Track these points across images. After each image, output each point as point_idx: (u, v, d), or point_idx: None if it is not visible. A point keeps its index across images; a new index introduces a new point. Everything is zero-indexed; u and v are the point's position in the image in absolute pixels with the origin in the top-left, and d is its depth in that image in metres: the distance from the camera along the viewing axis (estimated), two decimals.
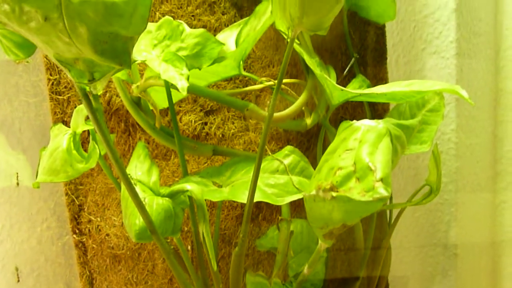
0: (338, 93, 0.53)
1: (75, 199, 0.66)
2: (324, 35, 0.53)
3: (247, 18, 0.58)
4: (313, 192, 0.35)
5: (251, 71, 0.69)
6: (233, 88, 0.67)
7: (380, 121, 0.34)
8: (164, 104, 0.58)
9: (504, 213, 0.93)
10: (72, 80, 0.35)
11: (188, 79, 0.46)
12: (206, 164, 0.69)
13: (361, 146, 0.32)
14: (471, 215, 0.86)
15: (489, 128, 0.91)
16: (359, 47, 0.76)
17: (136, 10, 0.29)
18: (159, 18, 0.66)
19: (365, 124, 0.34)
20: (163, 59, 0.48)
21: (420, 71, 0.83)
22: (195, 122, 0.68)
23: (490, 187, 0.92)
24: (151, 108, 0.58)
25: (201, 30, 0.48)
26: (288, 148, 0.49)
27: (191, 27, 0.67)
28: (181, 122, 0.67)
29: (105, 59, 0.31)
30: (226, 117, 0.68)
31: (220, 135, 0.69)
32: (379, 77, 0.77)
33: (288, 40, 0.40)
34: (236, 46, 0.54)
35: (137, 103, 0.58)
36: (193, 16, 0.67)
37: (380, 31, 0.76)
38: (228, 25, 0.68)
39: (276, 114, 0.52)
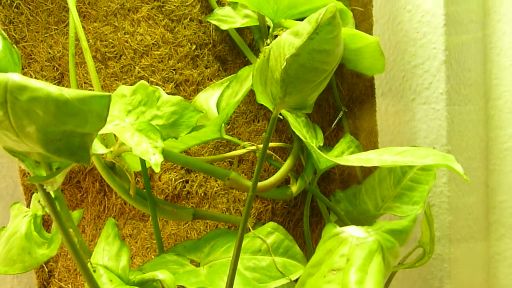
0: (325, 159, 0.50)
1: (44, 265, 0.61)
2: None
3: (229, 79, 0.55)
4: None
5: (235, 126, 0.65)
6: (214, 148, 0.63)
7: (370, 230, 0.30)
8: (139, 167, 0.54)
9: (498, 265, 0.89)
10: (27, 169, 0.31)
11: (162, 152, 0.42)
12: (187, 225, 0.64)
13: (348, 269, 0.28)
14: (465, 269, 0.83)
15: (481, 178, 0.88)
16: (347, 99, 0.73)
17: (92, 108, 0.25)
18: (138, 73, 0.62)
19: (353, 235, 0.30)
20: (136, 129, 0.44)
21: (410, 121, 0.81)
22: (175, 180, 0.64)
23: (483, 238, 0.88)
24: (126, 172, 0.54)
25: (178, 98, 0.44)
26: (271, 225, 0.45)
27: (172, 82, 0.64)
28: (160, 181, 0.63)
29: (60, 157, 0.27)
30: (208, 175, 0.64)
31: (202, 194, 0.64)
32: (368, 130, 0.74)
33: (270, 118, 0.37)
34: (217, 110, 0.51)
35: (111, 167, 0.54)
36: (174, 70, 0.64)
37: (369, 83, 0.74)
38: (211, 79, 0.65)
39: (259, 184, 0.48)
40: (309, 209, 0.59)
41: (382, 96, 0.84)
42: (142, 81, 0.47)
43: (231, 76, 0.58)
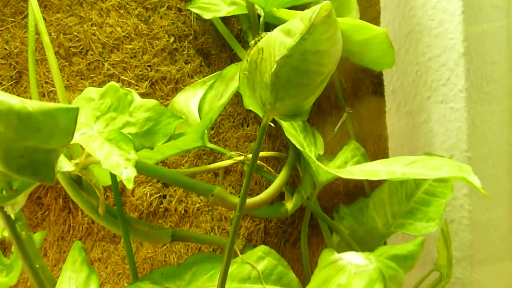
0: (325, 171, 0.52)
1: None
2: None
3: (213, 78, 0.57)
4: None
5: (220, 131, 0.67)
6: (195, 157, 0.65)
7: (371, 257, 0.32)
8: (110, 180, 0.56)
9: None
10: None
11: (135, 165, 0.43)
12: (165, 247, 0.66)
13: None
14: None
15: (508, 188, 0.90)
16: (352, 98, 0.75)
17: (58, 122, 0.27)
18: (108, 70, 0.64)
19: (352, 262, 0.32)
20: (106, 138, 0.46)
21: (425, 123, 0.83)
22: (150, 195, 0.65)
23: (510, 259, 0.90)
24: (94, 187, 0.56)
25: (153, 102, 0.46)
26: (263, 249, 0.47)
27: (147, 80, 0.66)
28: (133, 196, 0.65)
29: (22, 175, 0.29)
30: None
31: (182, 211, 0.66)
32: (376, 134, 0.76)
33: (260, 127, 0.38)
34: (199, 115, 0.52)
35: (77, 181, 0.55)
36: (149, 66, 0.66)
37: (377, 79, 0.76)
38: (192, 76, 0.67)
39: (249, 200, 0.50)
40: (307, 228, 0.61)
41: (392, 94, 0.86)
42: (112, 83, 0.49)
43: (215, 74, 0.60)
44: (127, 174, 0.43)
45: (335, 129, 0.72)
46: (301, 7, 0.70)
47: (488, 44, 0.82)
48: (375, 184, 0.73)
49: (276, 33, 0.36)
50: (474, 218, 0.81)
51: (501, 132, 0.87)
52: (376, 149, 0.76)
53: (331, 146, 0.73)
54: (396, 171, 0.50)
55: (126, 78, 0.65)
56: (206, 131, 0.54)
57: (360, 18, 0.72)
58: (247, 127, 0.68)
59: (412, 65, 0.83)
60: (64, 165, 0.34)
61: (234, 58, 0.68)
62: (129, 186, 0.42)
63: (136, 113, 0.47)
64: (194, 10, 0.65)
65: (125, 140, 0.45)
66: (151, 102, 0.47)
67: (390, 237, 0.69)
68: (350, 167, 0.55)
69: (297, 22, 0.34)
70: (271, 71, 0.34)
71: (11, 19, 0.62)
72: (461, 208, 0.81)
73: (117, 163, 0.43)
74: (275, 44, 0.35)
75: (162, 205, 0.66)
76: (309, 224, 0.65)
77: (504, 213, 0.88)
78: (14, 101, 0.26)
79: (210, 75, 0.60)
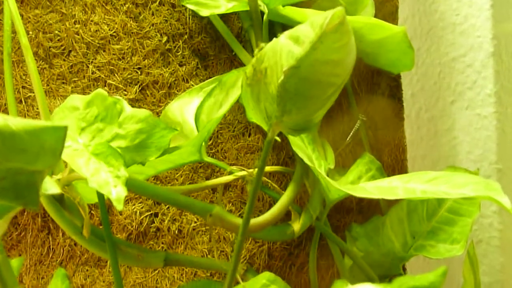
0: (336, 188, 0.53)
1: None
2: None
3: (211, 83, 0.58)
4: None
5: (219, 142, 0.68)
6: (191, 170, 0.66)
7: None
8: (96, 198, 0.57)
9: None
10: None
11: (125, 184, 0.45)
12: (157, 272, 0.67)
13: None
14: None
15: None
16: (367, 104, 0.76)
17: (44, 142, 0.28)
18: (93, 73, 0.65)
19: None
20: (93, 152, 0.47)
21: (448, 131, 0.84)
22: (140, 214, 0.67)
23: None
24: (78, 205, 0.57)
25: (146, 113, 0.47)
26: (267, 276, 0.48)
27: (136, 84, 0.67)
28: (121, 215, 0.66)
29: (4, 199, 0.30)
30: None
31: (176, 231, 0.67)
32: (393, 144, 0.77)
33: (265, 142, 0.40)
34: (196, 125, 0.54)
35: (59, 199, 0.56)
36: (139, 68, 0.67)
37: (394, 82, 0.77)
38: (187, 80, 0.68)
39: (251, 221, 0.51)
40: (316, 251, 0.62)
41: (412, 98, 0.87)
42: (99, 90, 0.50)
43: (213, 78, 0.61)
44: (117, 194, 0.44)
45: (347, 139, 0.73)
46: (307, 3, 0.72)
47: None
48: (392, 201, 0.74)
49: (283, 40, 0.38)
50: (506, 238, 0.82)
51: None
52: (393, 160, 0.77)
53: (343, 157, 0.74)
54: (416, 188, 0.50)
55: (114, 82, 0.66)
56: (203, 143, 0.55)
57: (376, 14, 0.73)
58: (249, 137, 0.69)
59: (434, 66, 0.84)
60: (50, 186, 0.35)
61: (234, 60, 0.69)
62: (119, 207, 0.43)
63: (126, 124, 0.48)
64: (189, 6, 0.66)
65: (115, 155, 0.46)
66: (143, 112, 0.48)
67: (410, 261, 0.70)
68: (364, 183, 0.56)
69: (306, 28, 0.35)
70: (278, 82, 0.35)
71: None
72: (490, 227, 0.82)
73: (105, 180, 0.44)
74: (282, 53, 0.36)
75: (153, 225, 0.67)
76: (318, 245, 0.66)
77: None
78: None
79: (208, 80, 0.61)
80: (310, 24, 0.35)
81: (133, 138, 0.48)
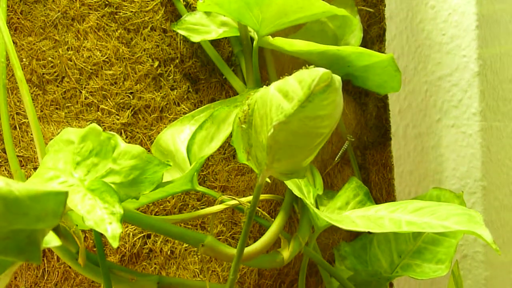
0: (323, 219, 0.55)
1: None
2: None
3: (201, 111, 0.60)
4: None
5: (210, 164, 0.70)
6: (183, 193, 0.68)
7: None
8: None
9: None
10: None
11: (121, 220, 0.46)
12: None
13: None
14: None
15: None
16: (355, 124, 0.78)
17: (46, 206, 0.29)
18: (86, 98, 0.67)
19: None
20: (88, 188, 0.49)
21: (435, 148, 0.86)
22: (133, 235, 0.68)
23: None
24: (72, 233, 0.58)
25: (139, 149, 0.49)
26: None
27: (129, 109, 0.68)
28: None
29: (6, 256, 0.32)
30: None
31: (168, 252, 0.69)
32: (381, 163, 0.79)
33: (256, 186, 0.41)
34: (188, 156, 0.55)
35: (55, 229, 0.58)
36: (131, 93, 0.68)
37: (382, 103, 0.79)
38: (179, 104, 0.69)
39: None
40: (306, 270, 0.64)
41: (399, 115, 0.89)
42: (93, 125, 0.51)
43: (204, 107, 0.62)
44: (112, 231, 0.45)
45: (336, 159, 0.75)
46: (297, 27, 0.73)
47: (505, 60, 0.86)
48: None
49: (272, 91, 0.39)
50: (490, 254, 0.84)
51: None
52: (380, 179, 0.79)
53: (331, 177, 0.76)
54: (402, 220, 0.52)
55: (106, 107, 0.67)
56: (195, 173, 0.57)
57: (364, 36, 0.75)
58: None
59: (421, 84, 0.86)
60: (51, 240, 0.36)
61: (224, 83, 0.71)
62: (114, 244, 0.45)
63: (120, 160, 0.50)
64: (181, 32, 0.67)
65: (109, 191, 0.48)
66: (136, 149, 0.49)
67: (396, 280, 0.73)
68: (352, 211, 0.58)
69: (295, 84, 0.36)
70: (268, 134, 0.37)
71: None
72: (475, 242, 0.84)
73: (101, 217, 0.46)
74: (271, 105, 0.38)
75: (146, 246, 0.69)
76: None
77: None
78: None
79: (199, 109, 0.62)
80: (298, 81, 0.36)
81: (127, 174, 0.49)
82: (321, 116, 0.36)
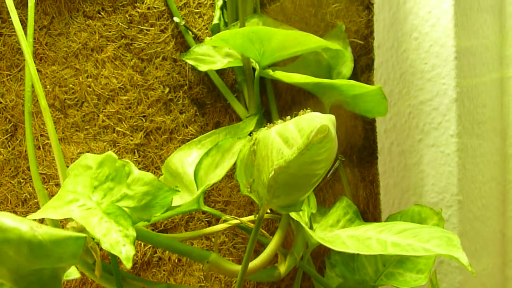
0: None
1: None
2: None
3: (207, 136, 0.59)
4: None
5: (214, 186, 0.69)
6: (189, 212, 0.67)
7: None
8: None
9: None
10: None
11: (134, 243, 0.46)
12: None
13: None
14: None
15: (497, 227, 0.93)
16: (345, 145, 0.77)
17: (67, 249, 0.29)
18: (103, 121, 0.66)
19: None
20: (104, 211, 0.48)
21: (417, 165, 0.86)
22: (144, 245, 0.68)
23: None
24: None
25: (151, 177, 0.48)
26: None
27: (141, 130, 0.68)
28: None
29: None
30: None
31: (176, 260, 0.69)
32: (368, 180, 0.79)
33: (256, 219, 0.41)
34: (195, 179, 0.55)
35: None
36: (144, 116, 0.68)
37: (370, 126, 0.78)
38: (187, 126, 0.69)
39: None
40: (300, 282, 0.64)
41: (385, 133, 0.89)
42: (110, 153, 0.51)
43: (210, 132, 0.62)
44: (126, 253, 0.45)
45: (328, 176, 0.75)
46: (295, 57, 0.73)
47: (481, 87, 0.86)
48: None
49: (273, 135, 0.39)
50: None
51: (491, 172, 0.90)
52: (367, 194, 0.79)
53: (324, 192, 0.76)
54: (387, 241, 0.52)
55: (121, 129, 0.67)
56: (202, 195, 0.56)
57: (354, 65, 0.75)
58: None
59: (405, 107, 0.86)
60: (72, 273, 0.36)
61: (228, 108, 0.71)
62: (128, 265, 0.44)
63: (134, 186, 0.49)
64: (189, 61, 0.67)
65: (124, 215, 0.47)
66: (148, 176, 0.49)
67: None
68: (343, 231, 0.57)
69: (295, 133, 0.36)
70: (269, 175, 0.37)
71: (7, 72, 0.64)
72: None
73: (116, 240, 0.45)
74: (272, 148, 0.38)
75: (156, 255, 0.68)
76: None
77: (493, 252, 0.92)
78: (24, 227, 0.28)
79: (205, 134, 0.62)
80: (298, 129, 0.36)
81: (140, 199, 0.49)
82: (317, 161, 0.36)
